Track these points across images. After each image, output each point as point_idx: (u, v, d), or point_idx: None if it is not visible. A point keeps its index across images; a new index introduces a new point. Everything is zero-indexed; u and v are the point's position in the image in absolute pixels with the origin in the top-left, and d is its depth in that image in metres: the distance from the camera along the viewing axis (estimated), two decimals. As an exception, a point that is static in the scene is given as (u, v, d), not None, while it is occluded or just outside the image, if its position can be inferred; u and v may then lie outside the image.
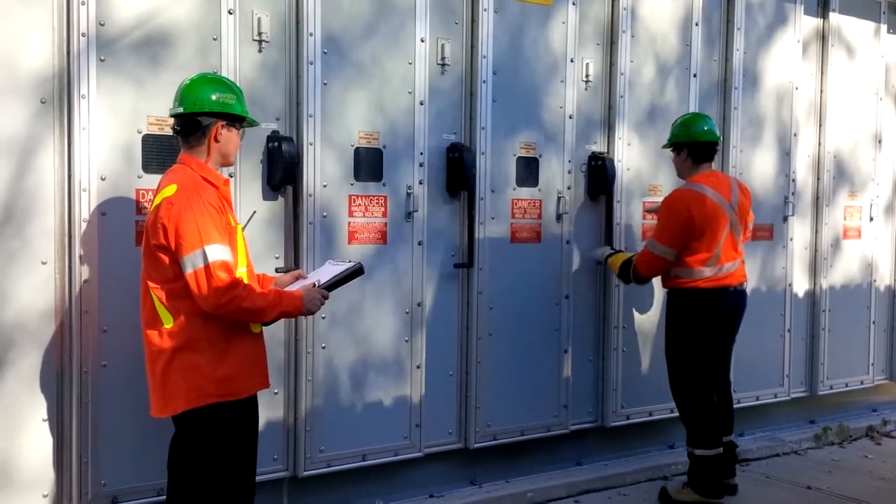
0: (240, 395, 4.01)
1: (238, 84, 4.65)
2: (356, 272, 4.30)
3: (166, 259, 3.87)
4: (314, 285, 4.18)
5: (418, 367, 5.53)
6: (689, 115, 6.18)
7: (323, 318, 5.14)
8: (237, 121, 4.11)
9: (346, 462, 5.30)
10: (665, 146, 6.11)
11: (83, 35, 4.37)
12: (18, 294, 4.34)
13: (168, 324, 3.91)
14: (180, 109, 4.02)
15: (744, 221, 5.96)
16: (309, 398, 5.13)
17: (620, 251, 6.23)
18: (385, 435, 5.43)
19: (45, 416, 4.45)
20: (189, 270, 3.81)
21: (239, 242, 4.08)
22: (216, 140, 4.03)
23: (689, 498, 5.84)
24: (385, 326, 5.41)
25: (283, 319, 4.31)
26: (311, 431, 5.14)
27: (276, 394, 5.05)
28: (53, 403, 4.47)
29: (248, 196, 4.91)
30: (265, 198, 5.00)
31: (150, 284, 3.94)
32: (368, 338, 5.35)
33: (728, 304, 5.87)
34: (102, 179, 4.47)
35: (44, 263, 4.40)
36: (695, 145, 5.85)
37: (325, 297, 4.20)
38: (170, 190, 3.89)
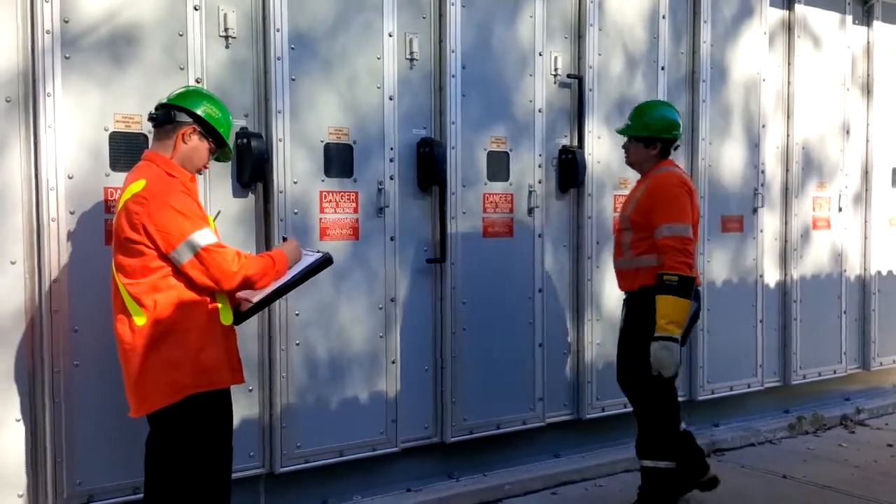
0: (215, 385, 4.02)
1: (205, 80, 4.71)
2: (325, 263, 4.29)
3: (142, 253, 3.85)
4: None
5: (393, 362, 5.53)
6: (658, 105, 5.72)
7: (297, 314, 5.14)
8: (213, 136, 4.10)
9: (323, 458, 5.29)
10: (631, 134, 5.43)
11: (47, 32, 4.35)
12: (-13, 295, 4.31)
13: (140, 320, 3.89)
14: (165, 100, 4.08)
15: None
16: (284, 395, 5.12)
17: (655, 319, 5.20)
18: (361, 430, 5.42)
19: (19, 417, 4.42)
20: (185, 259, 3.83)
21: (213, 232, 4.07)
22: (184, 141, 4.03)
23: None
24: (359, 322, 5.40)
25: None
26: (287, 428, 5.13)
27: (250, 391, 5.04)
28: (26, 404, 4.44)
29: (217, 194, 4.90)
30: (235, 195, 5.00)
31: (123, 280, 3.92)
32: (342, 334, 5.35)
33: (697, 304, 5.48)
34: (70, 178, 4.45)
35: (13, 263, 4.37)
36: (669, 141, 5.42)
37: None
38: (138, 185, 3.88)
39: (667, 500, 5.35)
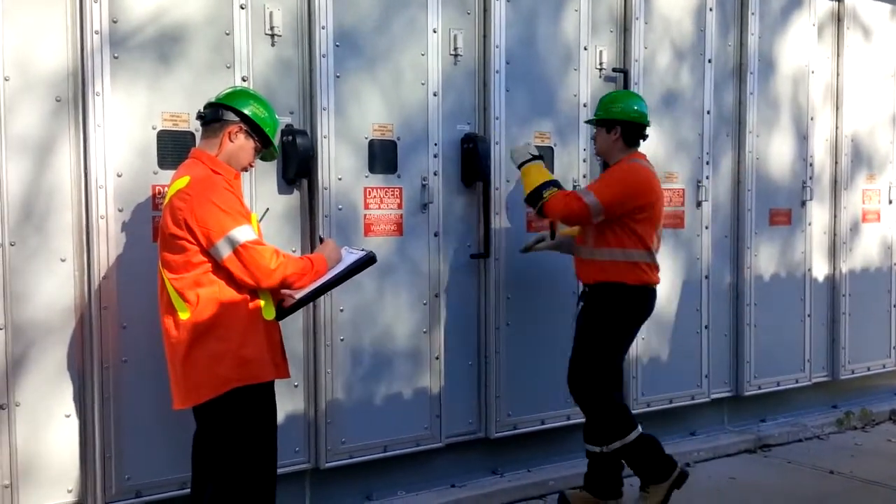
0: (259, 378, 4.06)
1: (251, 78, 4.77)
2: (368, 261, 4.32)
3: (184, 248, 3.91)
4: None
5: (437, 358, 5.53)
6: (623, 92, 5.84)
7: (341, 310, 5.16)
8: (259, 135, 4.15)
9: (368, 453, 5.32)
10: (591, 122, 5.58)
11: (96, 33, 4.39)
12: (39, 292, 4.38)
13: (184, 314, 3.95)
14: (213, 99, 4.16)
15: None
16: (329, 390, 5.15)
17: (541, 160, 5.48)
18: (406, 426, 5.44)
19: (69, 412, 4.49)
20: (226, 255, 3.88)
21: (255, 230, 4.10)
22: (230, 139, 4.09)
23: (658, 498, 5.31)
24: (403, 318, 5.42)
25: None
26: (332, 423, 5.16)
27: (296, 386, 5.08)
28: (76, 400, 4.51)
29: (263, 190, 4.93)
30: (280, 191, 5.03)
31: (168, 275, 3.98)
32: (387, 329, 5.36)
33: (653, 304, 5.44)
34: (119, 176, 4.50)
35: (63, 261, 4.44)
36: (630, 125, 5.35)
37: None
38: (182, 182, 3.96)
39: (660, 459, 5.34)
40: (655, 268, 5.36)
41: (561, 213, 5.24)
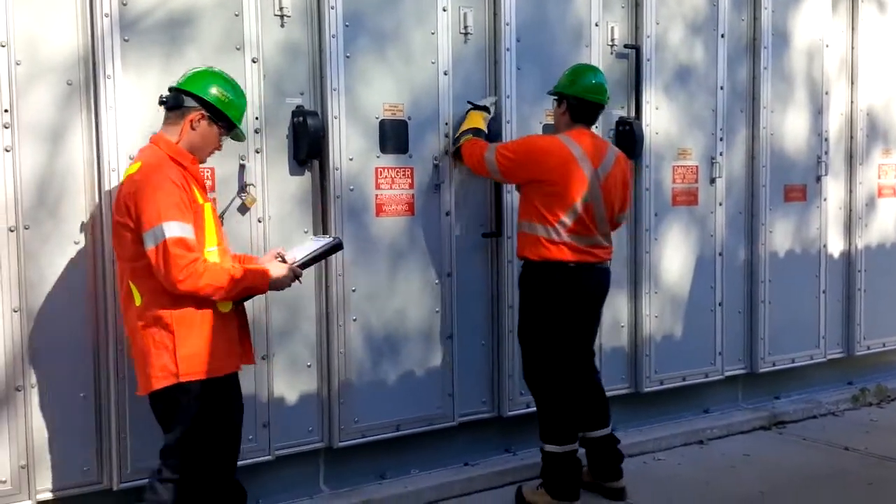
0: (208, 374, 3.92)
1: (261, 59, 4.76)
2: (334, 248, 4.34)
3: (129, 237, 3.84)
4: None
5: (449, 337, 5.54)
6: (581, 66, 5.53)
7: (353, 290, 5.17)
8: (224, 121, 4.03)
9: (381, 432, 5.34)
10: (550, 93, 5.42)
11: (106, 16, 4.39)
12: (53, 274, 4.41)
13: (137, 302, 3.89)
14: (175, 84, 4.04)
15: (609, 201, 5.22)
16: (342, 370, 5.17)
17: (486, 113, 5.53)
18: (419, 405, 5.46)
19: (84, 393, 4.53)
20: (150, 247, 3.75)
21: (208, 220, 3.97)
22: (192, 127, 3.96)
23: (541, 500, 5.24)
24: (415, 298, 5.43)
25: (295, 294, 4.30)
26: (345, 403, 5.18)
27: (308, 366, 5.11)
28: (91, 380, 4.54)
29: (274, 171, 4.94)
30: (292, 173, 5.03)
31: (119, 263, 3.98)
32: (399, 309, 5.37)
33: (589, 281, 5.20)
34: (130, 159, 4.50)
35: (76, 243, 4.46)
36: (577, 101, 5.22)
37: (298, 275, 4.19)
38: (133, 168, 3.91)
39: (563, 483, 5.21)
40: (568, 246, 5.09)
41: (466, 161, 5.34)
